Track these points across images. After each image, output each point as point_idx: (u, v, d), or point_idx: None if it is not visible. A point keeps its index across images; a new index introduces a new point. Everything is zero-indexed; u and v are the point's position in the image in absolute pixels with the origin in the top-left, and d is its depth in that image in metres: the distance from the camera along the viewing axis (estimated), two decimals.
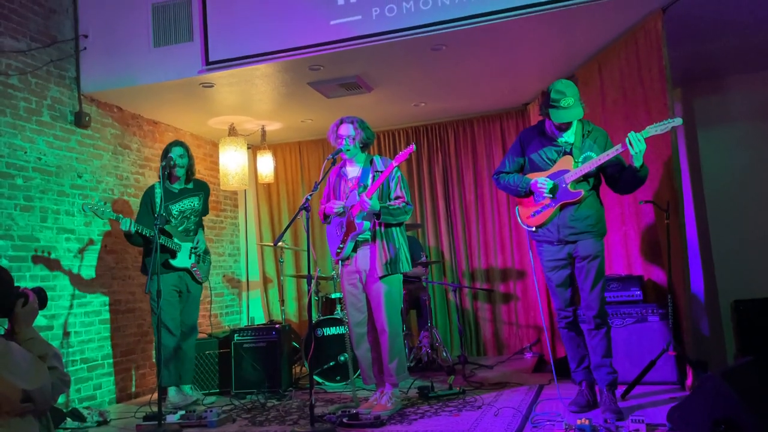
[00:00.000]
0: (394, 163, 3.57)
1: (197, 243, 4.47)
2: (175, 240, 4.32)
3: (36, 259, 4.16)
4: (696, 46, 4.58)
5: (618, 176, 3.31)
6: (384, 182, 3.67)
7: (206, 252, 4.60)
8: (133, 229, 4.09)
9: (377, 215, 3.58)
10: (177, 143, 4.46)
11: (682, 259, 3.80)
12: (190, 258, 4.41)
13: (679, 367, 3.80)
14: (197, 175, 4.75)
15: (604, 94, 4.47)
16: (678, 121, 3.08)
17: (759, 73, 5.14)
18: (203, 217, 4.68)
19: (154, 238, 3.82)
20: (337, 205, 3.74)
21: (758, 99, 5.16)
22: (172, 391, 4.30)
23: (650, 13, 3.86)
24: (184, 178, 4.48)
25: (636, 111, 4.12)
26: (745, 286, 4.89)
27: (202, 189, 4.62)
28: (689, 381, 3.70)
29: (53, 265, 4.29)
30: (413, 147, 3.52)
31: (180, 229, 4.40)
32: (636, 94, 4.13)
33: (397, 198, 3.70)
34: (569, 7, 3.67)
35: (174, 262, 4.32)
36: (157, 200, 4.27)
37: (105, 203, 4.18)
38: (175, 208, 4.40)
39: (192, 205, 4.49)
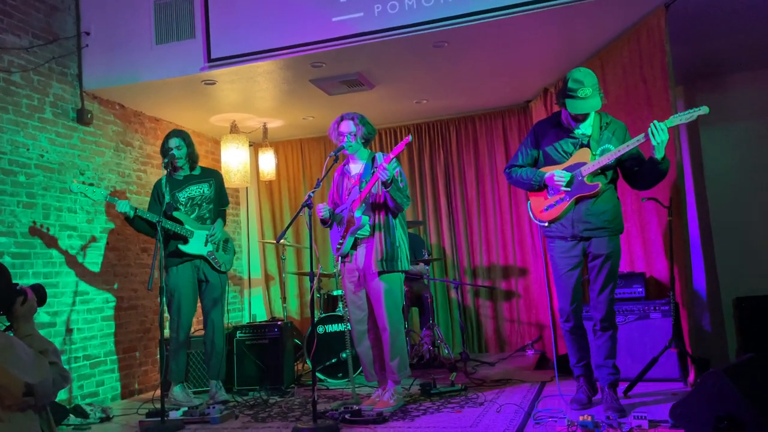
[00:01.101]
0: (391, 156, 3.52)
1: (214, 230, 4.31)
2: (187, 226, 4.22)
3: (38, 256, 4.17)
4: (699, 44, 4.57)
5: (637, 170, 3.22)
6: None
7: (227, 240, 4.46)
8: (131, 213, 4.03)
9: (387, 184, 3.52)
10: (172, 134, 4.37)
11: (684, 257, 3.81)
12: (206, 245, 4.28)
13: (681, 364, 3.81)
14: None
15: (607, 91, 4.39)
16: (705, 110, 2.95)
17: (762, 70, 5.13)
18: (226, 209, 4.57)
19: (158, 225, 3.78)
20: (322, 212, 3.75)
21: (761, 97, 5.15)
22: (177, 389, 4.24)
23: (653, 10, 3.85)
24: (187, 166, 4.38)
25: (638, 108, 4.11)
26: (747, 283, 4.90)
27: (211, 175, 4.49)
28: (691, 378, 3.70)
29: (56, 261, 4.30)
30: (409, 138, 3.47)
31: (192, 216, 4.31)
32: (638, 92, 4.13)
33: None
34: (571, 3, 3.66)
35: (185, 248, 4.20)
36: (163, 190, 4.18)
37: (96, 185, 4.10)
38: (182, 196, 4.31)
39: (201, 191, 4.37)
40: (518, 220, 5.87)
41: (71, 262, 4.42)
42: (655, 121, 3.00)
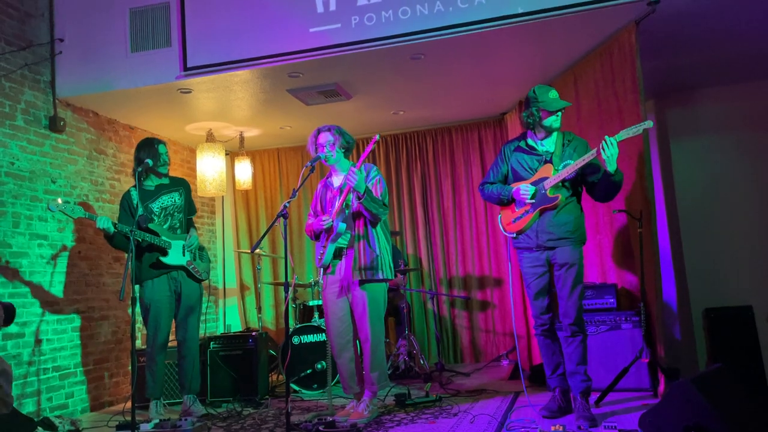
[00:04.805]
0: (361, 159, 3.59)
1: (190, 240, 4.21)
2: (163, 238, 4.09)
3: (7, 266, 4.09)
4: (668, 59, 4.67)
5: (595, 183, 3.38)
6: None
7: (201, 249, 4.35)
8: (111, 229, 3.88)
9: (360, 196, 3.54)
10: (159, 141, 4.22)
11: (654, 268, 3.88)
12: (184, 255, 4.17)
13: (652, 374, 3.87)
14: None
15: (580, 105, 4.54)
16: (648, 124, 3.16)
17: (729, 86, 5.26)
18: (194, 217, 4.47)
19: (131, 236, 3.60)
20: (326, 222, 3.71)
21: (728, 112, 5.28)
22: (152, 405, 4.11)
23: (624, 26, 3.93)
24: (163, 174, 4.25)
25: (610, 122, 4.19)
26: (717, 294, 4.99)
27: (180, 184, 4.35)
28: (662, 387, 3.76)
29: (25, 271, 4.22)
30: (376, 137, 3.51)
31: (165, 226, 4.17)
32: (610, 105, 4.21)
33: None
34: (545, 18, 3.73)
35: (166, 260, 4.08)
36: (135, 201, 4.07)
37: (73, 202, 3.99)
38: (155, 206, 4.17)
39: (173, 201, 4.24)
40: (494, 231, 5.92)
41: (42, 271, 4.34)
42: (607, 136, 3.17)
